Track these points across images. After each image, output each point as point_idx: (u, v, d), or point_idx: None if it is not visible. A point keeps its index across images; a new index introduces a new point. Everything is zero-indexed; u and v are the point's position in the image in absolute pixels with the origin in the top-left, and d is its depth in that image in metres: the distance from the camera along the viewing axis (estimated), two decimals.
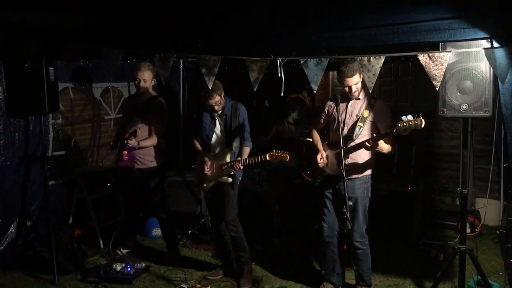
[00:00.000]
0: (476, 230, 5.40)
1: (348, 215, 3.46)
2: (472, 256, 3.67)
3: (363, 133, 3.85)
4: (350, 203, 3.74)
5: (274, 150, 4.01)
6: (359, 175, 3.92)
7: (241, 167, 4.21)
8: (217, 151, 4.40)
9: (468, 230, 4.97)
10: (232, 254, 4.58)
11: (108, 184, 5.58)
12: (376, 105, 3.87)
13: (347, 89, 3.81)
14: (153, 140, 4.64)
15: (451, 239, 5.37)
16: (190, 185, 5.72)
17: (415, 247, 5.13)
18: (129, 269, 4.50)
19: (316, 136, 4.20)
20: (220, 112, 4.34)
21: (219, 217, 4.46)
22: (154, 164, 4.74)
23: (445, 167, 6.52)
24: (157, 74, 4.15)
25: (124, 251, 4.97)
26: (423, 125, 3.33)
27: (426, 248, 5.07)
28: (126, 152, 4.56)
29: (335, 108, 3.91)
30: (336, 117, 3.88)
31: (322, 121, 4.18)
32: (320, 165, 4.01)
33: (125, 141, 4.41)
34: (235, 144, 4.31)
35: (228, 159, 4.28)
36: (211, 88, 3.98)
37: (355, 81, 3.74)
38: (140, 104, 4.69)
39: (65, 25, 3.66)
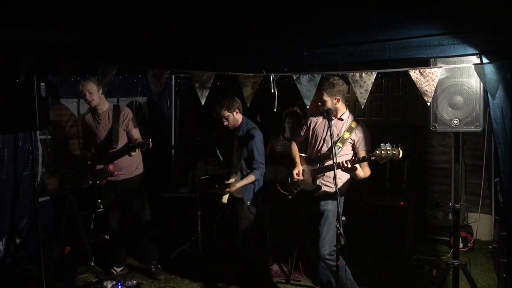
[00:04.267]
0: (469, 245, 5.40)
1: (342, 230, 3.45)
2: (466, 271, 3.67)
3: (341, 154, 3.88)
4: (344, 218, 3.74)
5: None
6: (333, 192, 3.91)
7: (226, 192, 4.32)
8: (234, 170, 4.50)
9: (460, 245, 4.98)
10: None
11: (99, 201, 5.51)
12: (358, 128, 3.91)
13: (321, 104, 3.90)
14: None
15: (443, 254, 5.37)
16: (182, 201, 5.69)
17: (408, 262, 5.11)
18: (119, 287, 4.42)
19: (295, 149, 4.25)
20: (235, 131, 4.43)
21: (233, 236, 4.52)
22: (138, 171, 4.73)
23: (437, 182, 6.54)
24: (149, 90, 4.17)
25: (119, 269, 4.87)
26: (400, 156, 3.35)
27: (419, 264, 5.06)
28: (112, 167, 4.54)
29: (316, 125, 4.04)
30: (318, 133, 4.00)
31: (302, 134, 4.21)
32: (295, 179, 4.04)
33: (129, 155, 4.37)
34: (240, 166, 4.38)
35: (232, 179, 4.32)
36: (221, 103, 4.18)
37: (324, 99, 3.84)
38: (106, 116, 4.62)
39: (57, 41, 3.64)
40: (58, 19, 3.29)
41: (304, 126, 4.20)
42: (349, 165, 3.62)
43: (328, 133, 3.93)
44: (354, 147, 3.92)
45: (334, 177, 3.57)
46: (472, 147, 5.90)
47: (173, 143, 6.80)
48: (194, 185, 5.61)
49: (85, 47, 3.75)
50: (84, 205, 5.35)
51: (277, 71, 3.43)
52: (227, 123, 4.34)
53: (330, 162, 3.83)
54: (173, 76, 6.56)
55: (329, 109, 3.86)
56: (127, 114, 4.65)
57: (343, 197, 3.95)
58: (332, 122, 3.94)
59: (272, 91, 3.38)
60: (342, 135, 3.90)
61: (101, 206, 5.34)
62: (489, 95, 3.10)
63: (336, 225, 3.50)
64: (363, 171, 3.72)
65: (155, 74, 3.40)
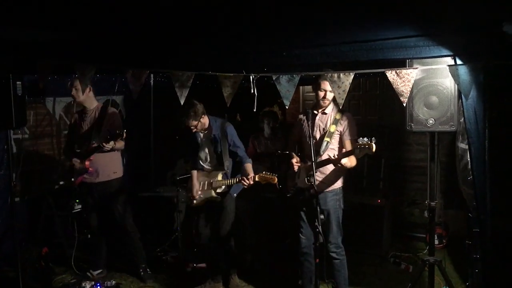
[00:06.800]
0: (444, 241, 5.52)
1: (320, 229, 3.51)
2: (441, 267, 3.75)
3: (330, 147, 3.92)
4: (322, 216, 3.79)
5: (264, 172, 4.10)
6: (330, 188, 3.97)
7: (251, 183, 4.14)
8: (208, 170, 4.45)
9: (436, 242, 5.08)
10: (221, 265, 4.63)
11: (77, 201, 5.45)
12: (343, 118, 3.94)
13: (322, 94, 3.86)
14: (123, 143, 4.57)
15: (420, 251, 5.47)
16: (161, 201, 5.66)
17: (385, 259, 5.20)
18: (98, 287, 4.39)
19: (289, 145, 4.31)
20: (206, 132, 4.39)
21: (213, 230, 4.47)
22: (116, 175, 4.68)
23: (414, 180, 6.65)
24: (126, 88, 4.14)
25: (95, 272, 4.80)
26: (374, 150, 3.43)
27: (396, 260, 5.15)
28: (88, 163, 4.49)
29: (305, 122, 4.01)
30: (306, 131, 3.96)
31: (295, 133, 4.25)
32: (295, 167, 4.04)
33: (102, 146, 4.32)
34: (227, 163, 4.34)
35: (219, 177, 4.30)
36: (188, 114, 4.11)
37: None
38: (92, 115, 4.64)
39: (35, 39, 3.59)
40: (36, 17, 3.24)
41: (295, 125, 4.23)
42: (335, 161, 3.68)
43: (315, 129, 3.98)
44: (341, 138, 3.94)
45: (313, 175, 3.63)
46: (448, 145, 6.02)
47: (152, 143, 6.75)
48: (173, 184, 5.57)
49: (63, 46, 3.71)
50: (61, 205, 5.29)
51: (257, 71, 3.45)
52: (195, 129, 4.33)
53: (320, 159, 3.88)
54: (151, 75, 6.51)
55: (306, 109, 3.90)
56: (110, 115, 4.64)
57: (341, 186, 4.02)
58: (317, 117, 3.99)
59: (252, 91, 3.40)
60: (328, 129, 3.92)
61: (79, 207, 5.27)
62: (462, 95, 3.18)
63: (315, 223, 3.56)
64: (349, 161, 3.74)
65: (134, 74, 3.38)
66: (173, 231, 5.50)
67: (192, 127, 4.27)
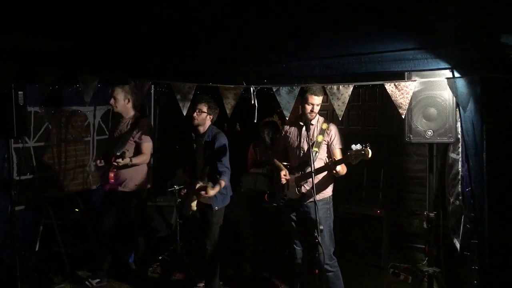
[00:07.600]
0: (442, 252, 5.51)
1: (320, 239, 3.52)
2: (440, 278, 3.76)
3: (319, 157, 3.97)
4: (322, 227, 3.80)
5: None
6: (321, 197, 3.98)
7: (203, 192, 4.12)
8: (196, 176, 4.44)
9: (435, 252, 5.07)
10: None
11: (76, 210, 5.45)
12: (329, 129, 4.01)
13: (310, 107, 3.90)
14: (145, 157, 4.65)
15: (419, 262, 5.47)
16: (161, 210, 5.67)
17: (384, 269, 5.20)
18: None
19: (275, 158, 4.33)
20: (200, 137, 4.41)
21: (201, 241, 4.48)
22: (136, 188, 4.71)
23: (413, 191, 6.65)
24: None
25: (94, 281, 4.77)
26: (370, 155, 3.47)
27: (395, 271, 5.14)
28: (112, 175, 4.53)
29: (291, 133, 4.12)
30: (292, 142, 4.06)
31: (280, 144, 4.28)
32: (283, 180, 4.06)
33: (113, 163, 4.38)
34: (207, 171, 4.34)
35: (197, 186, 4.30)
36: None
37: (320, 101, 3.88)
38: (125, 124, 4.72)
39: (37, 49, 3.63)
40: (38, 26, 3.28)
41: (281, 136, 4.27)
42: (330, 167, 3.73)
43: (302, 140, 4.02)
44: (329, 147, 4.01)
45: (313, 186, 3.65)
46: (445, 156, 6.03)
47: (151, 152, 6.76)
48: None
49: (65, 55, 3.75)
50: (61, 213, 5.29)
51: (257, 83, 3.49)
52: (196, 120, 4.30)
53: (310, 169, 3.90)
54: (152, 85, 6.54)
55: (307, 121, 3.94)
56: (142, 125, 4.69)
57: (330, 195, 4.05)
58: (303, 128, 4.03)
59: (252, 102, 3.44)
60: (316, 139, 3.98)
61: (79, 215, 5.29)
62: (460, 107, 3.21)
63: (314, 234, 3.57)
64: (342, 168, 3.81)
65: (137, 84, 3.42)
66: (173, 241, 5.50)
67: (196, 112, 4.25)
